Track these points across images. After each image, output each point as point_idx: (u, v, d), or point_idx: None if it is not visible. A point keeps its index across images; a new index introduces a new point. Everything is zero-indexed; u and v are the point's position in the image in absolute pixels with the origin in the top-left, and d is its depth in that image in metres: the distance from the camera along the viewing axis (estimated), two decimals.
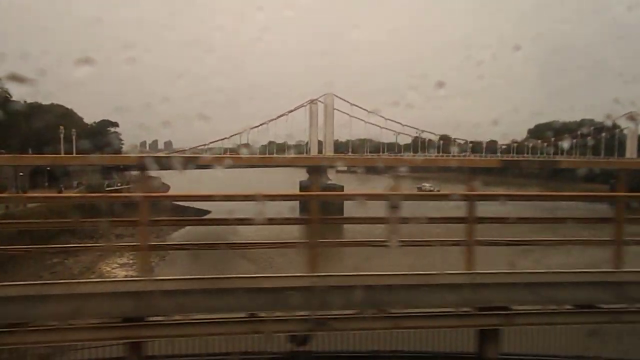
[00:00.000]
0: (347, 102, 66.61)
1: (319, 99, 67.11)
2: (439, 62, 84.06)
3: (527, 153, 66.33)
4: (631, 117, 68.05)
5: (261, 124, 65.99)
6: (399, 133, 68.01)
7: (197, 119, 62.91)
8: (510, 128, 68.46)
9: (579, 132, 68.22)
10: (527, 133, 69.92)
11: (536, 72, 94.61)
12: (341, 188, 48.48)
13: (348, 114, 67.53)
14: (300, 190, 43.21)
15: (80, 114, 68.29)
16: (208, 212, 26.91)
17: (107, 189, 51.02)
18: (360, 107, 66.66)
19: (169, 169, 8.14)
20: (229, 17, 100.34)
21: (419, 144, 70.11)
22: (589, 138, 67.54)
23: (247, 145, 68.03)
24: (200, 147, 65.68)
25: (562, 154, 65.14)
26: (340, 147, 71.38)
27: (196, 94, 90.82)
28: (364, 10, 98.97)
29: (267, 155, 60.43)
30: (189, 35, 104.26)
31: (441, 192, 11.68)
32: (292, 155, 58.70)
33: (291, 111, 66.46)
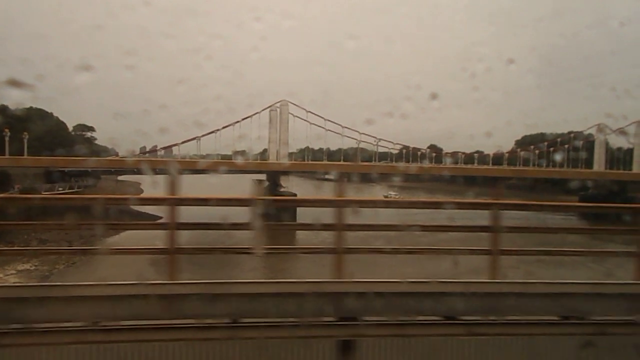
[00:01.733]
0: (303, 109, 65.58)
1: (276, 105, 66.14)
2: (434, 73, 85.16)
3: (519, 164, 66.86)
4: (599, 129, 68.83)
5: (212, 132, 64.16)
6: (360, 141, 67.29)
7: (194, 126, 62.13)
8: (503, 140, 69.17)
9: (558, 143, 68.82)
10: (514, 144, 70.44)
11: (530, 85, 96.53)
12: (293, 196, 48.17)
13: (311, 122, 66.49)
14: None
15: (78, 119, 67.02)
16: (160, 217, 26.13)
17: (44, 193, 48.91)
18: (317, 115, 65.74)
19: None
20: (228, 26, 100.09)
21: (402, 154, 69.90)
22: (567, 149, 68.31)
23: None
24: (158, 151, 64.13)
25: (549, 165, 65.87)
26: (316, 155, 70.67)
27: (195, 101, 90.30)
28: (362, 21, 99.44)
29: (216, 161, 60.43)
30: (188, 43, 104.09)
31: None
32: (241, 162, 58.45)
33: (244, 118, 65.00)
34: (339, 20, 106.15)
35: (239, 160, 58.90)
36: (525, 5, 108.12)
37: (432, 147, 70.58)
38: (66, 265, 25.07)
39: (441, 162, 66.13)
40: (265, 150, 69.18)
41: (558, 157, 64.92)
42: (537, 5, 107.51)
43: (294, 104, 65.77)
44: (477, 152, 68.81)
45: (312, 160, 66.84)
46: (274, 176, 57.63)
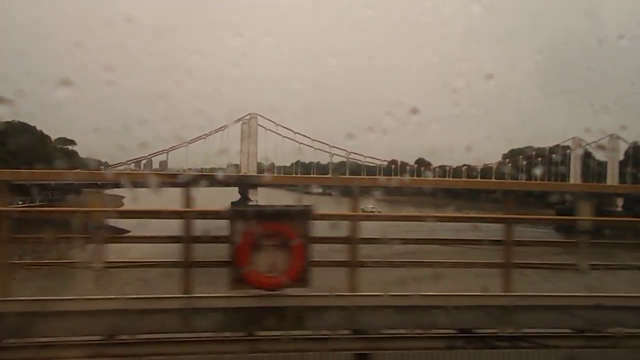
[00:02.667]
0: (273, 122, 65.35)
1: (245, 118, 65.77)
2: (414, 89, 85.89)
3: (505, 178, 67.41)
4: (575, 143, 69.85)
5: (181, 145, 63.50)
6: (349, 154, 67.44)
7: (174, 140, 61.73)
8: (483, 154, 69.70)
9: (534, 157, 69.67)
10: (502, 157, 71.03)
11: (510, 100, 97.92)
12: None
13: (287, 137, 66.18)
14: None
15: (60, 133, 66.05)
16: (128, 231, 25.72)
17: None
18: (287, 128, 65.61)
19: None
20: (208, 43, 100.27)
21: (391, 169, 69.91)
22: (548, 162, 69.16)
23: (236, 165, 66.99)
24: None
25: (533, 179, 66.49)
26: (306, 169, 70.40)
27: (175, 116, 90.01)
28: (341, 38, 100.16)
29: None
30: (168, 60, 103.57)
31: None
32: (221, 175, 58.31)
33: (213, 132, 64.41)
34: (319, 37, 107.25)
35: (219, 173, 58.80)
36: (503, 22, 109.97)
37: (420, 162, 70.90)
38: None
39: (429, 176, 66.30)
40: (236, 165, 68.55)
41: (538, 170, 65.74)
42: (515, 22, 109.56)
43: (264, 117, 65.06)
44: (464, 165, 69.10)
45: (302, 174, 66.47)
46: (245, 189, 57.38)
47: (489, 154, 73.44)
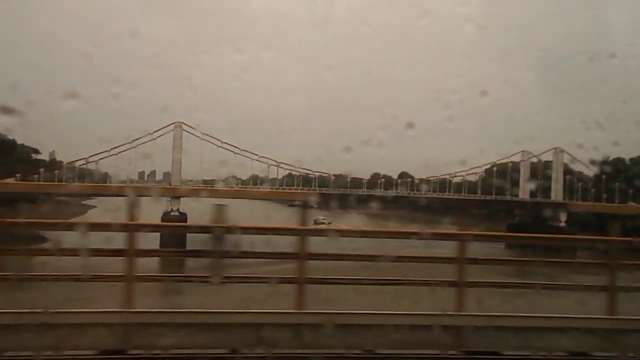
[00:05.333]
0: (197, 135, 63.94)
1: (169, 127, 64.19)
2: (409, 103, 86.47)
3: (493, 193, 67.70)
4: (524, 156, 70.69)
5: (104, 151, 61.67)
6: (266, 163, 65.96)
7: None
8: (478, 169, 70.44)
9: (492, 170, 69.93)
10: (484, 172, 71.50)
11: (502, 116, 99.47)
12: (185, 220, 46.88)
13: (218, 146, 64.72)
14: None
15: (64, 145, 64.33)
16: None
17: None
18: (213, 137, 64.34)
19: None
20: (209, 57, 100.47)
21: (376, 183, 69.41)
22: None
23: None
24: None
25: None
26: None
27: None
28: (338, 53, 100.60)
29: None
30: (171, 72, 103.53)
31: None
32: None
33: (134, 140, 62.64)
34: (317, 53, 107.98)
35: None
36: (496, 40, 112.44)
37: (403, 175, 70.94)
38: None
39: (413, 190, 66.14)
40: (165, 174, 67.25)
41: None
42: (507, 40, 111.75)
43: (189, 125, 63.37)
44: (447, 175, 68.55)
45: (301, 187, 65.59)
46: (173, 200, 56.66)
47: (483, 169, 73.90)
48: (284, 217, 58.71)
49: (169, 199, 55.08)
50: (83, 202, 62.22)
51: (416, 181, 66.42)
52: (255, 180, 65.35)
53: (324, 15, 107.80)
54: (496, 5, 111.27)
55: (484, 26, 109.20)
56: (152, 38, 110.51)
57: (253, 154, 63.39)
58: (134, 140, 60.05)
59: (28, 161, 59.37)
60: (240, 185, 63.22)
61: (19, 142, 60.10)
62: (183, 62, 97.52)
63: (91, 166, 61.52)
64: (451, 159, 69.74)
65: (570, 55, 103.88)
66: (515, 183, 68.27)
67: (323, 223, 57.56)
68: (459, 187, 68.43)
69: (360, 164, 64.17)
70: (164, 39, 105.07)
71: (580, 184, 65.08)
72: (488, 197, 65.84)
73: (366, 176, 68.53)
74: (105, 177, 62.04)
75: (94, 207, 60.99)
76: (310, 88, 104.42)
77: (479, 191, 67.14)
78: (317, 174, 66.01)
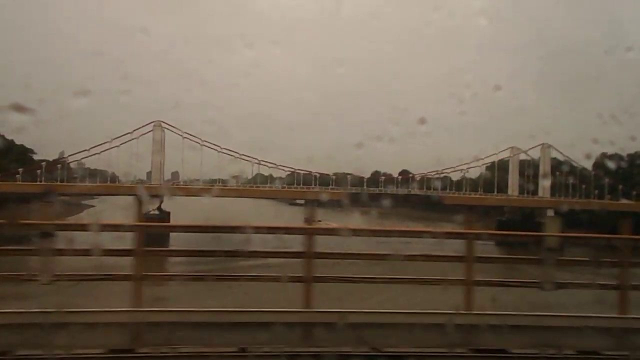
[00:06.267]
0: (179, 133, 63.28)
1: (149, 126, 63.28)
2: (421, 98, 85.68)
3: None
4: (513, 152, 70.46)
5: (81, 151, 60.73)
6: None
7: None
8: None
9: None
10: (486, 169, 71.11)
11: (516, 110, 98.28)
12: (167, 219, 46.58)
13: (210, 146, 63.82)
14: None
15: (74, 142, 63.87)
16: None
17: None
18: (194, 136, 63.56)
19: None
20: (220, 53, 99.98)
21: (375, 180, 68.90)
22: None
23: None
24: None
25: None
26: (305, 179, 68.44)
27: (187, 124, 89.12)
28: (349, 48, 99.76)
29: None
30: (181, 69, 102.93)
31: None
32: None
33: (115, 138, 61.92)
34: (328, 47, 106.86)
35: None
36: (509, 33, 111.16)
37: (404, 173, 70.51)
38: None
39: (413, 188, 65.73)
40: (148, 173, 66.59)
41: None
42: (519, 33, 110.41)
43: (169, 124, 62.75)
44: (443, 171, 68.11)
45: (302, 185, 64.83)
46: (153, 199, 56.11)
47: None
48: (279, 215, 58.70)
49: (161, 198, 54.49)
50: (83, 202, 61.78)
51: (417, 177, 66.36)
52: (257, 180, 64.86)
53: (334, 9, 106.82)
54: None
55: (497, 19, 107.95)
56: (162, 34, 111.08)
57: (246, 155, 63.31)
58: (113, 139, 59.71)
59: (24, 162, 58.75)
60: (241, 185, 63.04)
61: (29, 140, 59.77)
62: (193, 58, 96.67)
63: (73, 165, 61.44)
64: (464, 154, 69.25)
65: (586, 48, 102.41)
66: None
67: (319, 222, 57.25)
68: (459, 184, 68.17)
69: (371, 160, 63.97)
70: (173, 36, 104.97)
71: (571, 181, 64.54)
72: (481, 195, 65.66)
73: (367, 174, 68.75)
74: (112, 177, 61.98)
75: (93, 207, 60.62)
76: (320, 83, 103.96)
77: (480, 189, 67.03)
78: (316, 174, 65.96)
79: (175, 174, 66.26)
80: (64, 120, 59.60)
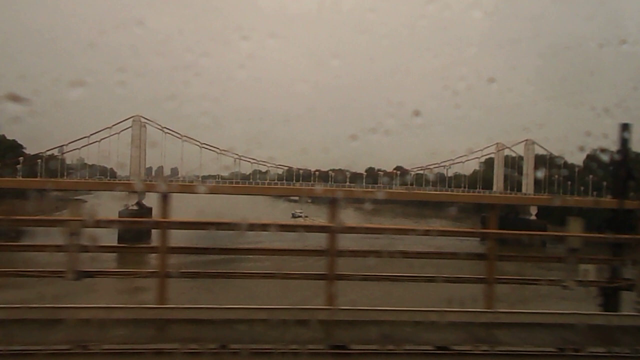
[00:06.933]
0: (158, 128, 62.63)
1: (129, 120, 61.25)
2: (416, 91, 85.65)
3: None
4: (497, 148, 70.62)
5: (56, 147, 59.47)
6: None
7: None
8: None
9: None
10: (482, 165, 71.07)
11: (511, 104, 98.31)
12: (148, 214, 46.38)
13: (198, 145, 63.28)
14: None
15: (71, 133, 63.30)
16: None
17: None
18: (174, 132, 63.33)
19: None
20: (215, 45, 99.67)
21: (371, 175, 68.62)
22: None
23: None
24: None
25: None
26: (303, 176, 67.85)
27: (183, 116, 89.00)
28: (344, 41, 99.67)
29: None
30: (177, 61, 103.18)
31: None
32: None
33: (93, 134, 61.03)
34: (323, 40, 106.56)
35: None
36: (504, 27, 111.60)
37: (398, 169, 70.24)
38: None
39: (406, 184, 65.77)
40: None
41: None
42: (514, 27, 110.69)
43: (148, 120, 61.33)
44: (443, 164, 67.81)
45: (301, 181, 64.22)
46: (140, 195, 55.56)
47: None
48: (271, 210, 58.44)
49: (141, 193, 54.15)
50: (76, 197, 61.16)
51: (412, 173, 66.39)
52: (256, 176, 64.53)
53: (330, 3, 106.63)
54: None
55: (492, 13, 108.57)
56: (159, 27, 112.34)
57: (245, 157, 63.15)
58: (91, 135, 59.61)
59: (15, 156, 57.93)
60: (239, 182, 62.88)
61: (21, 133, 59.13)
62: (189, 50, 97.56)
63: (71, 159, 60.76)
64: (458, 147, 69.29)
65: (580, 41, 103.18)
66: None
67: (300, 217, 57.57)
68: (451, 180, 68.19)
69: (365, 154, 63.53)
70: (170, 28, 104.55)
71: (557, 177, 64.88)
72: (467, 193, 65.60)
73: (362, 169, 68.45)
74: (111, 172, 61.40)
75: (84, 201, 60.01)
76: (316, 76, 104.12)
77: (464, 186, 67.04)
78: (315, 171, 65.73)
79: (174, 170, 65.90)
80: (59, 111, 58.86)
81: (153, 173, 65.02)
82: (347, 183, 63.57)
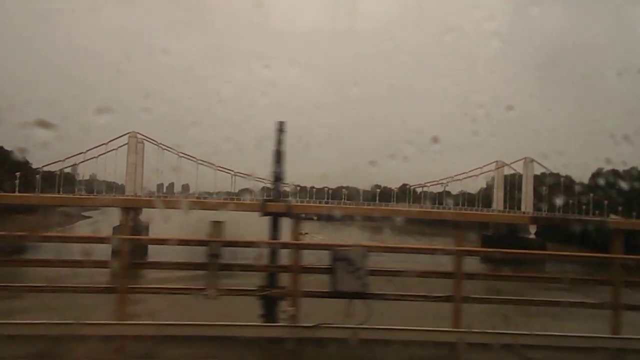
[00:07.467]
0: (157, 145, 63.27)
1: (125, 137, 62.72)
2: (434, 118, 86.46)
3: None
4: (497, 167, 70.65)
5: (54, 162, 60.90)
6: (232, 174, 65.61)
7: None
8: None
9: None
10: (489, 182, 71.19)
11: (529, 131, 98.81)
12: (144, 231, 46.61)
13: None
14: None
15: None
16: None
17: None
18: (171, 149, 63.68)
19: None
20: (238, 72, 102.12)
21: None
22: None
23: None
24: None
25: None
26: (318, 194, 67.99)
27: (206, 142, 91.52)
28: (364, 68, 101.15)
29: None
30: (201, 88, 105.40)
31: None
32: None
33: (89, 149, 62.25)
34: (342, 68, 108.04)
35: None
36: (521, 55, 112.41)
37: (404, 186, 70.11)
38: None
39: (412, 201, 66.00)
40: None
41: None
42: (533, 55, 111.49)
43: (146, 137, 63.02)
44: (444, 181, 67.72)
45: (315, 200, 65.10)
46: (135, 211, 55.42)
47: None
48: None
49: (137, 209, 53.27)
50: (83, 214, 61.22)
51: (418, 190, 66.43)
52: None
53: (349, 31, 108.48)
54: (522, 20, 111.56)
55: (510, 41, 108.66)
56: (183, 54, 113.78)
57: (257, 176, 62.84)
58: (87, 150, 60.78)
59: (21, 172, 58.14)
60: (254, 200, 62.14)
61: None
62: (212, 77, 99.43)
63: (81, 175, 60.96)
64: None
65: (598, 69, 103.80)
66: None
67: (301, 234, 57.24)
68: (458, 198, 68.18)
69: (385, 178, 63.79)
70: (194, 55, 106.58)
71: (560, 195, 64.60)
72: (466, 211, 65.58)
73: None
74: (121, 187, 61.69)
75: (90, 217, 60.15)
76: (335, 103, 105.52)
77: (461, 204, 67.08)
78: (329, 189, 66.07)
79: (185, 186, 66.45)
80: (85, 136, 59.61)
81: (164, 189, 65.91)
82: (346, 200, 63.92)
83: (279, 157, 8.39)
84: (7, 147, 52.17)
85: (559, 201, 63.59)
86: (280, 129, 8.49)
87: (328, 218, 56.59)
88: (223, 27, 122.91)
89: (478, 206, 67.84)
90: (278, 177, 8.54)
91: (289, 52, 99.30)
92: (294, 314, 6.82)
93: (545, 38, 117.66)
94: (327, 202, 62.99)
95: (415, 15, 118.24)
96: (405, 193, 68.85)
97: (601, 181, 60.67)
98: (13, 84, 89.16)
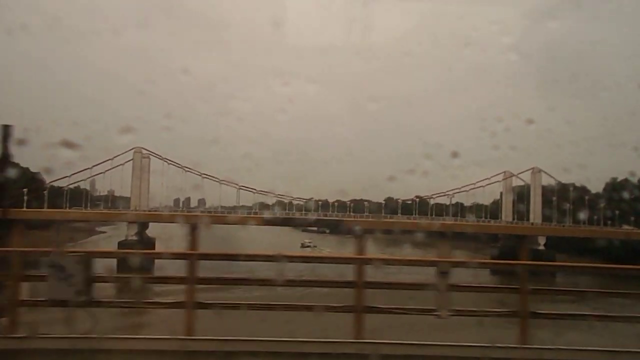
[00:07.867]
0: (163, 159, 62.83)
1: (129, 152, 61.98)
2: (453, 132, 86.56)
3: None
4: (505, 177, 69.90)
5: (61, 178, 58.75)
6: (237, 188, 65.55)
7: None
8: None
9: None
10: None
11: (550, 144, 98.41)
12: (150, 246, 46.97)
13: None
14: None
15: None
16: None
17: None
18: (177, 164, 63.30)
19: None
20: (257, 91, 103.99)
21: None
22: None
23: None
24: None
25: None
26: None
27: (225, 159, 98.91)
28: (383, 83, 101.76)
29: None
30: (220, 106, 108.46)
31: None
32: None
33: (95, 165, 60.28)
34: (360, 84, 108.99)
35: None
36: (540, 69, 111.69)
37: (417, 197, 69.74)
38: None
39: (425, 214, 65.68)
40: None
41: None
42: (552, 68, 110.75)
43: (152, 153, 62.48)
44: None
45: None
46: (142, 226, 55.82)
47: None
48: (282, 240, 58.53)
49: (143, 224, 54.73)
50: (97, 228, 61.44)
51: (431, 201, 66.15)
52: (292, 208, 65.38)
53: (367, 48, 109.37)
54: (540, 34, 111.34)
55: (528, 55, 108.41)
56: (203, 74, 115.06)
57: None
58: (94, 166, 59.77)
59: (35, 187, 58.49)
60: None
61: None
62: (232, 96, 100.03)
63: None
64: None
65: (619, 82, 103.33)
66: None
67: (309, 246, 57.63)
68: (470, 210, 67.57)
69: (403, 193, 64.05)
70: (213, 75, 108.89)
71: (569, 205, 64.11)
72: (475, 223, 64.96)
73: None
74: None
75: (104, 232, 60.38)
76: (353, 118, 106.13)
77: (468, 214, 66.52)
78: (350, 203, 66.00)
79: (202, 201, 67.03)
80: (107, 156, 60.49)
81: (181, 204, 66.60)
82: (365, 213, 64.00)
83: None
84: (33, 169, 52.07)
85: (568, 212, 63.06)
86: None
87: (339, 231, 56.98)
88: (242, 46, 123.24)
89: (486, 217, 67.12)
90: None
91: (307, 68, 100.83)
92: (6, 324, 6.68)
93: (564, 51, 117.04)
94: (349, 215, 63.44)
95: (432, 30, 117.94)
96: (414, 205, 68.54)
97: (614, 192, 60.04)
98: (38, 106, 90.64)
